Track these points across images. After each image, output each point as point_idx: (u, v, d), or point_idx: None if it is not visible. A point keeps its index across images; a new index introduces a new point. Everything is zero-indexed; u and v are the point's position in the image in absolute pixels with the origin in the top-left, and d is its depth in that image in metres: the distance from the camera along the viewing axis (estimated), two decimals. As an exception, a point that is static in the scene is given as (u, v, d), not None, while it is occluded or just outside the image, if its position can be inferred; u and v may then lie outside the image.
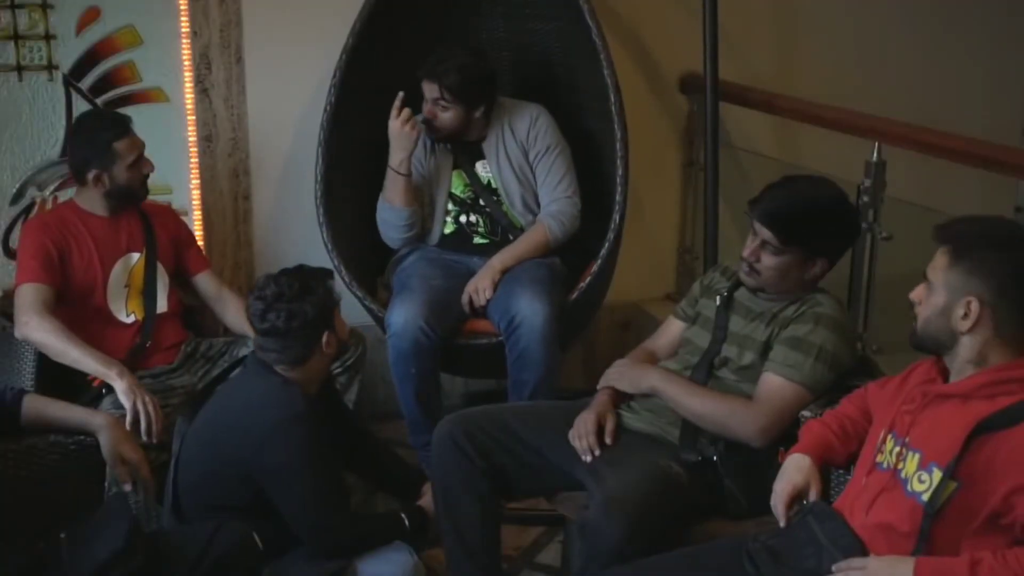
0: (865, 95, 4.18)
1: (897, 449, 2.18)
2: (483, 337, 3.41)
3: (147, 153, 3.21)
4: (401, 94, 3.41)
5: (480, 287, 3.40)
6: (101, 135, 3.13)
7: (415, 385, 3.33)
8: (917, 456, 2.13)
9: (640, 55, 4.16)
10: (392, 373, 3.35)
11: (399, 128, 3.39)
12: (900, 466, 2.16)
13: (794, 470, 2.34)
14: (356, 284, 3.49)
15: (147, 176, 3.19)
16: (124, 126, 3.17)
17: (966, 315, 2.09)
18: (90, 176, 3.13)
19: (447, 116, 3.45)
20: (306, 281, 2.54)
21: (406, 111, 3.40)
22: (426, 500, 2.80)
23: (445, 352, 3.38)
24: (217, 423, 2.59)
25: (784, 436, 2.57)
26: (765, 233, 2.63)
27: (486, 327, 3.41)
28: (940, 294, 2.13)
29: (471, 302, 3.41)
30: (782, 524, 2.30)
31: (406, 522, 2.64)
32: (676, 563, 2.34)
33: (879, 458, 2.22)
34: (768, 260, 2.65)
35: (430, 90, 3.44)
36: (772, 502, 2.33)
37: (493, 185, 3.55)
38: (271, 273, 2.62)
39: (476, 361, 3.52)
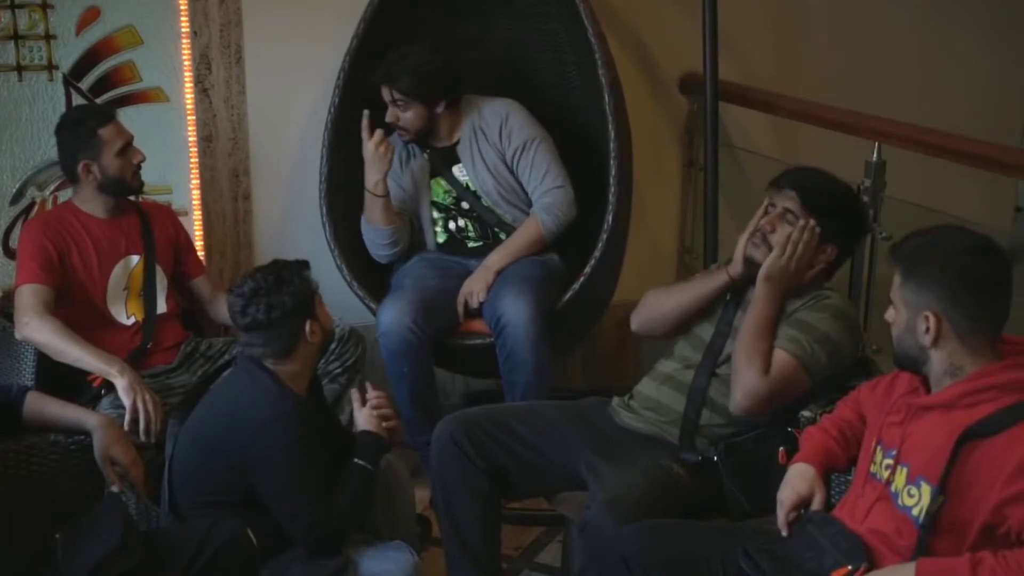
0: (865, 95, 4.18)
1: (887, 462, 2.19)
2: (478, 337, 3.41)
3: (146, 152, 3.20)
4: (366, 112, 3.41)
5: (474, 290, 3.40)
6: (84, 124, 3.12)
7: (408, 384, 3.33)
8: (905, 470, 2.14)
9: (640, 55, 4.16)
10: (387, 373, 3.35)
11: (373, 150, 3.38)
12: (891, 479, 2.17)
13: (798, 479, 2.34)
14: (357, 284, 3.49)
15: (139, 166, 3.18)
16: (107, 114, 3.18)
17: (927, 329, 2.11)
18: (80, 168, 3.12)
19: (408, 116, 3.45)
20: (280, 273, 2.57)
21: (378, 133, 3.39)
22: (359, 418, 2.71)
23: (443, 351, 3.39)
24: (209, 420, 2.60)
25: (771, 415, 2.59)
26: (790, 196, 2.66)
27: (481, 327, 3.41)
28: (902, 313, 2.16)
29: (466, 305, 3.41)
30: (784, 533, 2.30)
31: (367, 465, 2.60)
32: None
33: (872, 468, 2.23)
34: (784, 232, 2.65)
35: (385, 93, 3.44)
36: (777, 511, 2.33)
37: (472, 188, 3.54)
38: (247, 271, 2.64)
39: (472, 361, 3.52)
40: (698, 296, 2.81)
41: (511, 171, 3.52)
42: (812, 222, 2.63)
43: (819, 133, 4.00)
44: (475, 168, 3.52)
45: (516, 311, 3.25)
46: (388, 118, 3.47)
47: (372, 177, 3.41)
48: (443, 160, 3.55)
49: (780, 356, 2.58)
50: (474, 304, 3.40)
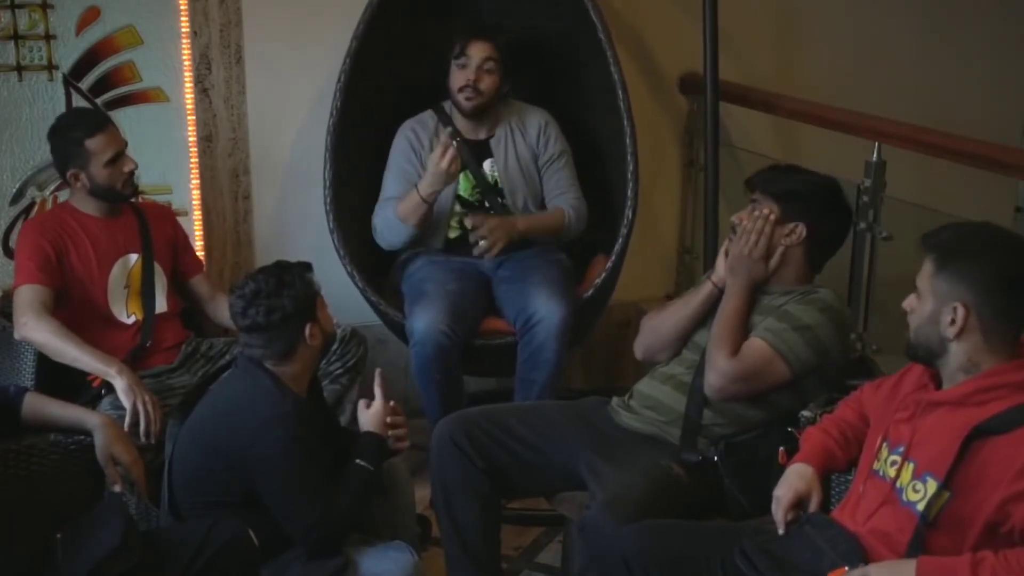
0: (865, 95, 4.18)
1: (892, 458, 2.19)
2: (499, 337, 3.41)
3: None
4: (449, 130, 3.43)
5: (497, 240, 3.39)
6: (73, 133, 3.10)
7: (440, 390, 3.31)
8: (912, 466, 2.14)
9: (640, 55, 4.16)
10: (416, 380, 3.32)
11: (444, 167, 3.33)
12: (896, 475, 2.17)
13: (796, 478, 2.35)
14: (370, 289, 3.48)
15: (131, 174, 3.15)
16: (97, 123, 3.14)
17: (953, 321, 2.10)
18: (68, 176, 3.12)
19: (490, 81, 3.45)
20: (282, 276, 2.56)
21: (452, 151, 3.34)
22: (363, 418, 2.70)
23: (466, 352, 3.36)
24: (209, 420, 2.60)
25: (744, 396, 2.63)
26: (752, 190, 2.73)
27: (502, 326, 3.41)
28: (928, 302, 2.15)
29: (480, 246, 3.42)
30: (781, 531, 2.31)
31: (367, 466, 2.59)
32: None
33: (876, 465, 2.23)
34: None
35: (481, 50, 3.43)
36: (773, 509, 2.34)
37: (499, 184, 3.54)
38: (249, 271, 2.64)
39: (491, 360, 3.50)
40: (689, 311, 2.82)
41: (539, 174, 3.55)
42: (766, 210, 2.68)
43: (819, 133, 4.00)
44: (507, 165, 3.53)
45: (549, 310, 3.26)
46: (466, 78, 3.43)
47: (430, 188, 3.38)
48: (474, 153, 3.54)
49: (752, 341, 2.62)
50: (492, 254, 3.40)
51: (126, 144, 3.17)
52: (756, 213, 2.70)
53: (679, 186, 4.37)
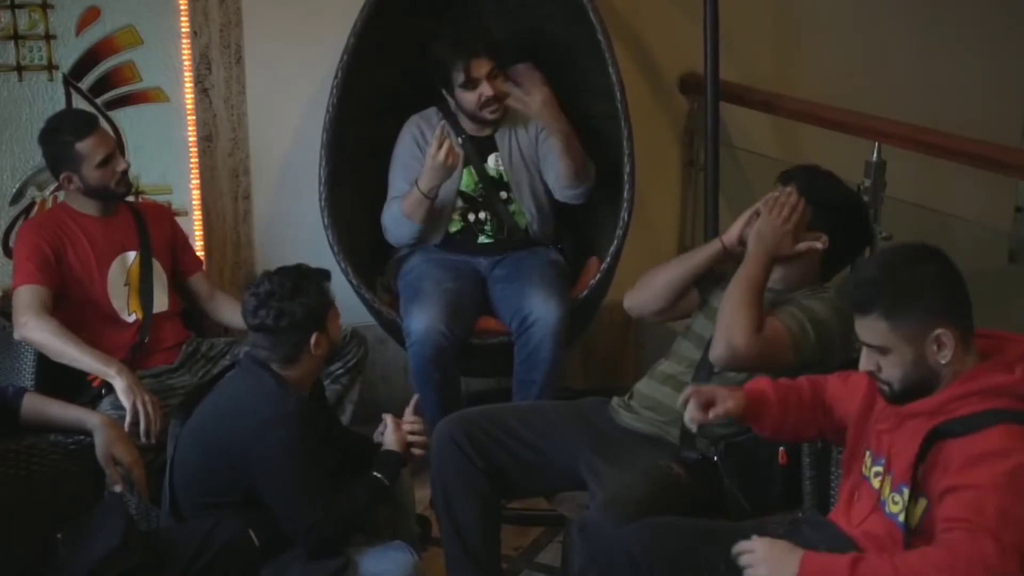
0: (865, 95, 4.18)
1: (876, 469, 2.19)
2: (495, 336, 3.40)
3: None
4: (443, 124, 3.43)
5: (536, 99, 3.42)
6: (63, 137, 3.11)
7: (438, 390, 3.30)
8: (891, 477, 2.15)
9: (640, 55, 4.16)
10: (413, 380, 3.32)
11: (442, 161, 3.32)
12: (880, 487, 2.17)
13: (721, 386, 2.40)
14: (364, 287, 3.48)
15: (124, 173, 3.15)
16: (86, 126, 3.13)
17: (940, 346, 2.08)
18: (61, 179, 3.13)
19: (504, 86, 3.47)
20: (298, 281, 2.56)
21: (448, 143, 3.34)
22: (390, 437, 2.72)
23: (461, 352, 3.36)
24: (211, 419, 2.60)
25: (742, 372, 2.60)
26: (790, 188, 2.67)
27: (498, 326, 3.41)
28: (904, 351, 2.10)
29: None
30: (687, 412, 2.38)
31: (383, 479, 2.61)
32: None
33: (864, 472, 2.23)
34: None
35: (482, 66, 3.42)
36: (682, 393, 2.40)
37: (504, 179, 3.55)
38: (269, 270, 2.64)
39: (486, 360, 3.50)
40: (690, 265, 2.80)
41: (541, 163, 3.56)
42: (792, 187, 2.65)
43: (819, 133, 4.00)
44: (511, 156, 3.53)
45: (546, 310, 3.26)
46: (484, 95, 3.43)
47: (430, 183, 3.37)
48: (478, 149, 3.54)
49: (772, 322, 2.59)
50: (525, 106, 3.44)
51: (117, 143, 3.17)
52: (790, 189, 2.66)
53: (679, 186, 4.37)
